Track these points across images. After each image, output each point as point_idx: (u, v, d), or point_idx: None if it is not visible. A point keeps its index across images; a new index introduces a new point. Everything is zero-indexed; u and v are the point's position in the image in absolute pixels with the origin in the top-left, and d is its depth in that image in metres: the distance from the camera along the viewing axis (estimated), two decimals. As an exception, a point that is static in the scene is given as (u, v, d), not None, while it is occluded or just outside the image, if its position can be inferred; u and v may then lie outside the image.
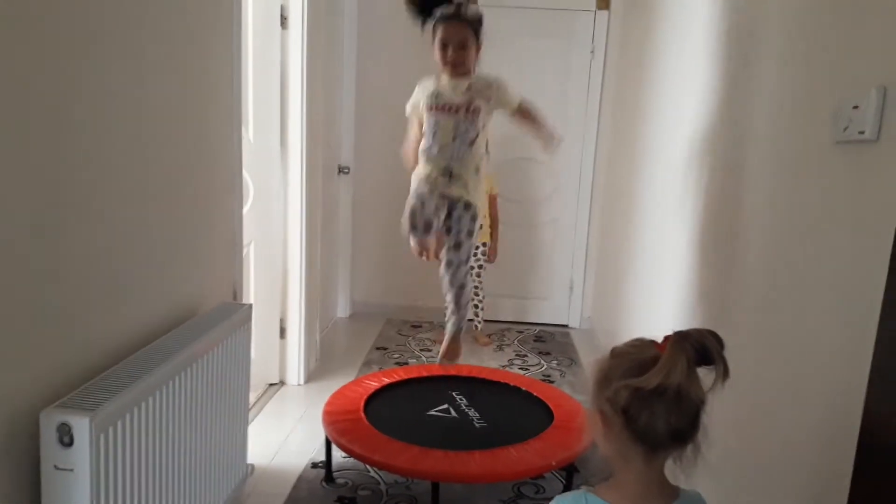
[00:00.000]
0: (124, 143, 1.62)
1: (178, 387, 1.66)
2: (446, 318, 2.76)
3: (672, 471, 1.11)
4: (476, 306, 4.13)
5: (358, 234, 4.59)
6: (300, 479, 2.51)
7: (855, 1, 1.37)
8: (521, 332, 4.46)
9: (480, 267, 4.06)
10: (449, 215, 2.56)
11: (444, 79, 2.47)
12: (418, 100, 2.54)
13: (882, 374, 1.17)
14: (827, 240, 1.42)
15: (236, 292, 2.41)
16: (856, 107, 1.27)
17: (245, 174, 2.58)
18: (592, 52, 4.32)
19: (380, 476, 2.54)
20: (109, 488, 1.37)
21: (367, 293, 4.66)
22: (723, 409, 1.84)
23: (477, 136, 2.47)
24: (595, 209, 4.50)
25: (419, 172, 2.54)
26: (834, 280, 1.38)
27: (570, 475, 2.45)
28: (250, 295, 3.05)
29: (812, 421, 1.45)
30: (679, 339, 1.04)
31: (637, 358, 1.07)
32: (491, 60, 4.34)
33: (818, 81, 1.49)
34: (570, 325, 4.65)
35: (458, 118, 2.42)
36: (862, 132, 1.25)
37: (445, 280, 2.61)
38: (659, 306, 2.85)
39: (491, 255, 4.07)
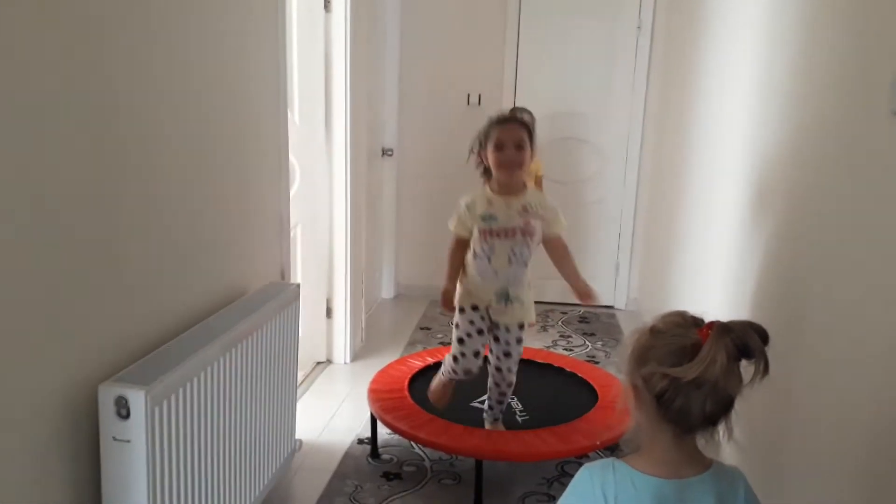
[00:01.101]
0: (177, 128, 1.66)
1: (230, 363, 1.71)
2: (486, 407, 2.49)
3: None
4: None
5: (402, 215, 4.62)
6: (346, 454, 2.57)
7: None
8: (565, 312, 4.43)
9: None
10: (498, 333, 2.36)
11: (495, 199, 2.23)
12: (466, 220, 2.29)
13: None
14: (885, 217, 1.37)
15: (284, 272, 2.46)
16: (914, 77, 1.22)
17: (291, 157, 2.62)
18: (639, 27, 4.23)
19: (424, 453, 2.58)
20: (164, 460, 1.43)
21: (410, 275, 4.69)
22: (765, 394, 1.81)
23: (531, 255, 2.30)
24: (642, 190, 4.42)
25: (469, 293, 2.31)
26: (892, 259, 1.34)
27: (614, 455, 2.44)
28: (297, 275, 3.11)
29: (861, 417, 1.41)
30: (721, 332, 1.03)
31: (677, 343, 1.06)
32: (534, 40, 4.32)
33: (877, 51, 1.44)
34: (615, 307, 4.60)
35: (515, 241, 2.22)
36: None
37: (492, 379, 2.41)
38: (705, 288, 2.80)
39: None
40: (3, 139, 1.13)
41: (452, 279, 2.36)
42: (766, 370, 1.04)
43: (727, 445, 1.10)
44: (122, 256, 1.47)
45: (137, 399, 1.33)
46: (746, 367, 1.05)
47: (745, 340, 1.03)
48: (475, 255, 2.26)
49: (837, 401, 1.53)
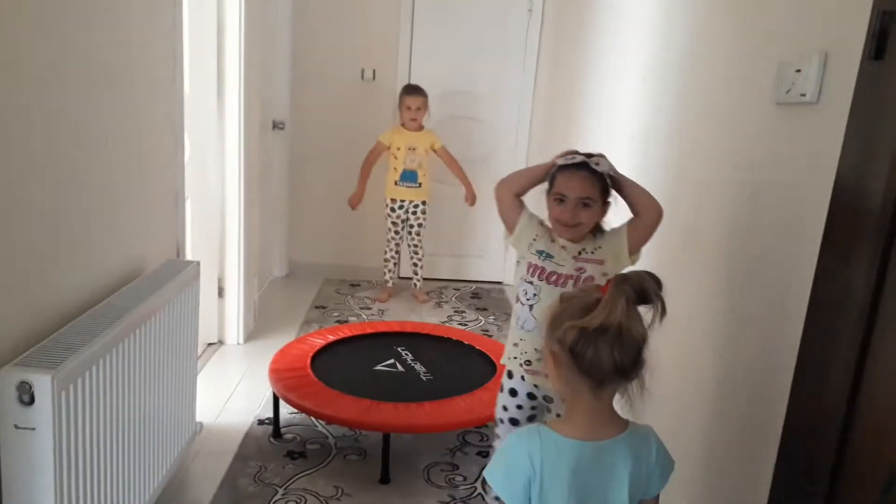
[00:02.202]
0: (68, 99, 1.55)
1: (132, 345, 1.63)
2: None
3: (621, 407, 1.21)
4: (415, 265, 4.21)
5: (294, 191, 4.52)
6: (247, 435, 2.51)
7: (797, -30, 1.45)
8: (458, 289, 4.54)
9: (420, 226, 4.14)
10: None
11: (557, 237, 1.80)
12: (523, 236, 1.84)
13: (814, 324, 1.29)
14: (768, 195, 1.52)
15: (179, 249, 2.36)
16: (798, 70, 1.36)
17: (184, 128, 2.50)
18: (530, 10, 4.35)
19: (328, 430, 2.58)
20: (70, 447, 1.36)
21: (304, 252, 4.61)
22: (666, 346, 1.96)
23: None
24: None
25: (510, 355, 1.93)
26: (774, 232, 1.49)
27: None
28: (187, 253, 2.98)
29: (750, 355, 1.57)
30: (619, 281, 1.14)
31: (583, 301, 1.17)
32: (429, 17, 4.33)
33: (762, 45, 1.58)
34: (505, 283, 4.76)
35: (564, 290, 1.76)
36: (804, 94, 1.34)
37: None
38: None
39: (472, 198, 4.12)
40: None
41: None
42: (663, 311, 1.15)
43: (641, 404, 1.19)
44: (14, 235, 1.36)
45: (43, 384, 1.25)
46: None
47: (641, 286, 1.14)
48: (517, 295, 1.88)
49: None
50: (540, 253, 1.79)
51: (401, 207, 4.07)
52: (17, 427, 1.27)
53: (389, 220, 4.12)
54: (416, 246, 4.19)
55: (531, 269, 1.81)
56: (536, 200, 1.82)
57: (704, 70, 1.93)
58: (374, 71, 4.36)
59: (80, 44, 1.59)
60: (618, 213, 1.72)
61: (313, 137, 4.43)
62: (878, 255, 1.14)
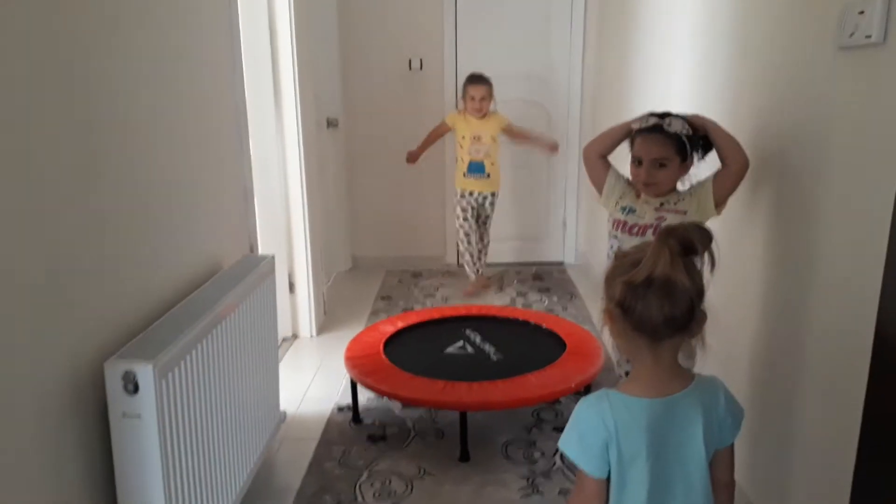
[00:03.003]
0: (147, 112, 1.64)
1: (219, 336, 1.72)
2: None
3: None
4: (480, 251, 4.12)
5: (352, 186, 4.61)
6: (329, 422, 2.60)
7: None
8: (519, 272, 4.55)
9: (488, 217, 4.07)
10: None
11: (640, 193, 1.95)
12: (612, 195, 2.01)
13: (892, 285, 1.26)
14: (834, 148, 1.49)
15: (252, 246, 2.45)
16: (861, 12, 1.33)
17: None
18: (572, -13, 4.31)
19: (405, 414, 2.64)
20: (172, 433, 1.45)
21: (365, 245, 4.70)
22: (736, 308, 1.93)
23: None
24: (584, 145, 4.53)
25: None
26: (844, 188, 1.46)
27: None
28: (258, 251, 3.08)
29: (828, 319, 1.54)
30: (664, 233, 1.13)
31: (634, 258, 1.16)
32: (471, 3, 4.34)
33: (819, -8, 1.54)
34: (566, 262, 4.75)
35: (644, 238, 1.91)
36: (869, 36, 1.31)
37: None
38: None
39: (553, 145, 4.08)
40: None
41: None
42: (713, 263, 1.14)
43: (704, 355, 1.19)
44: (107, 237, 1.46)
45: (146, 373, 1.34)
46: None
47: (686, 237, 1.12)
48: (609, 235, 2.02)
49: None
50: (624, 209, 1.95)
51: (471, 196, 3.99)
52: (125, 415, 1.36)
53: (459, 207, 4.05)
54: (482, 237, 4.11)
55: (616, 224, 1.96)
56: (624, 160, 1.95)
57: (760, 22, 1.89)
58: (421, 60, 4.40)
59: (158, 58, 1.68)
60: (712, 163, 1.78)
61: (366, 132, 4.51)
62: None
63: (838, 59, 1.45)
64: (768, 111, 1.81)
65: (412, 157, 4.08)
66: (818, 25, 1.53)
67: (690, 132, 1.81)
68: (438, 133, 4.02)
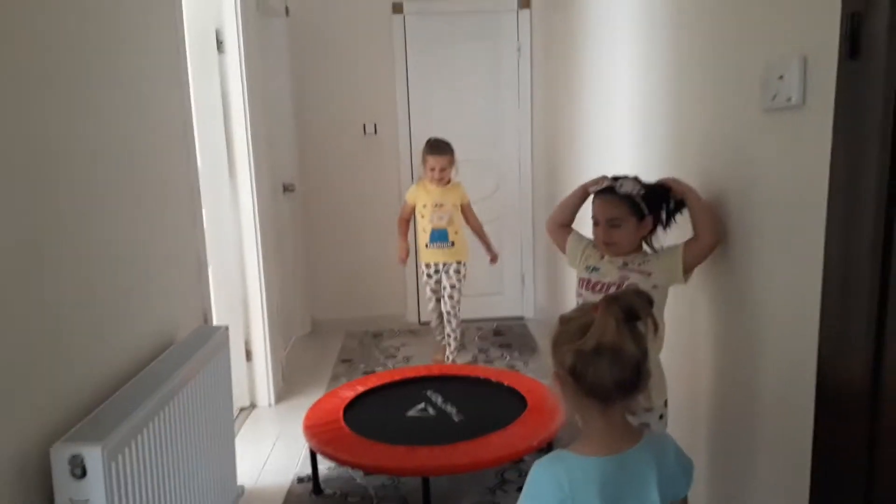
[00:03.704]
0: (96, 185, 1.63)
1: (172, 412, 1.68)
2: None
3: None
4: (448, 335, 3.82)
5: (310, 250, 4.61)
6: (289, 493, 2.53)
7: (768, -16, 1.53)
8: (480, 328, 4.56)
9: (453, 288, 3.76)
10: None
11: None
12: (574, 254, 2.06)
13: (830, 322, 1.32)
14: (763, 202, 1.56)
15: (206, 316, 2.42)
16: (781, 77, 1.42)
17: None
18: (519, 49, 4.48)
19: (367, 482, 2.59)
20: (122, 516, 1.39)
21: (324, 309, 4.67)
22: (680, 364, 1.98)
23: None
24: (537, 200, 4.64)
25: None
26: (776, 241, 1.53)
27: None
28: (214, 319, 3.04)
29: (771, 367, 1.59)
30: (608, 301, 1.19)
31: (579, 322, 1.21)
32: (422, 66, 4.47)
33: (745, 56, 1.64)
34: (525, 317, 4.78)
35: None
36: (789, 99, 1.40)
37: None
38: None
39: (494, 258, 3.91)
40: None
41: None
42: (655, 327, 1.21)
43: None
44: (53, 314, 1.43)
45: (94, 455, 1.30)
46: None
47: (630, 304, 1.19)
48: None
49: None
50: (588, 268, 1.97)
51: (437, 272, 3.76)
52: (72, 501, 1.31)
53: (428, 287, 3.82)
54: (448, 313, 3.78)
55: (581, 283, 1.98)
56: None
57: (691, 88, 2.00)
58: (375, 125, 4.48)
59: (108, 127, 1.69)
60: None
61: (323, 196, 4.54)
62: (880, 245, 1.18)
63: (764, 120, 1.54)
64: (707, 172, 1.90)
65: (401, 258, 3.83)
66: (744, 89, 1.63)
67: (642, 192, 1.84)
68: (407, 215, 3.81)
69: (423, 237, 3.72)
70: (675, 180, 1.87)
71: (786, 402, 1.53)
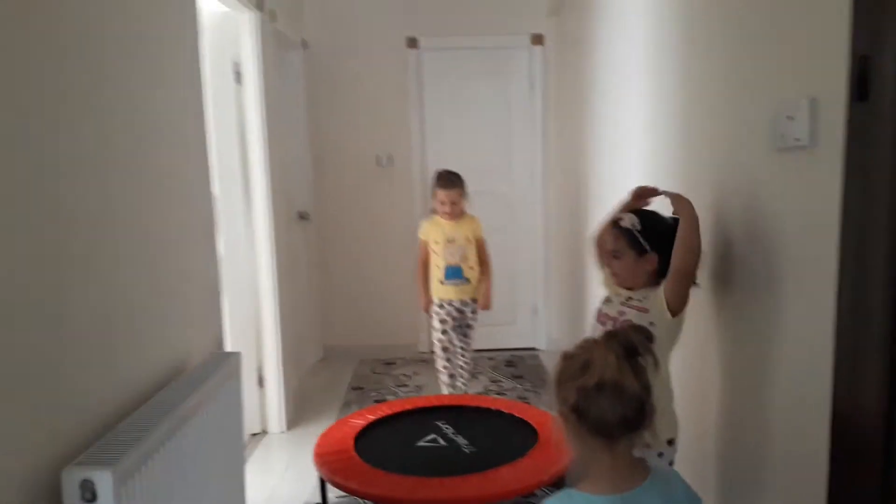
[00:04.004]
0: (114, 211, 1.67)
1: (183, 438, 1.69)
2: None
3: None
4: (461, 367, 3.68)
5: (323, 277, 4.64)
6: (297, 523, 2.53)
7: (782, 22, 1.55)
8: (492, 358, 4.55)
9: (469, 327, 3.62)
10: None
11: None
12: (603, 280, 2.04)
13: (844, 364, 1.31)
14: (774, 240, 1.57)
15: (220, 341, 2.44)
16: (790, 117, 1.44)
17: (216, 227, 2.63)
18: (531, 86, 4.53)
19: (376, 511, 2.57)
20: (131, 542, 1.40)
21: (336, 336, 4.69)
22: (689, 401, 1.97)
23: None
24: (550, 233, 4.66)
25: None
26: (786, 279, 1.53)
27: (561, 488, 2.53)
28: (227, 345, 3.07)
29: (783, 405, 1.58)
30: (608, 338, 1.21)
31: (581, 359, 1.21)
32: (437, 99, 4.54)
33: (755, 97, 1.66)
34: (538, 348, 4.77)
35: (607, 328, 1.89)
36: (798, 139, 1.41)
37: None
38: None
39: (487, 302, 3.63)
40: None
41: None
42: (656, 362, 1.21)
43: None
44: (67, 339, 1.45)
45: (104, 480, 1.31)
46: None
47: (629, 340, 1.19)
48: None
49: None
50: (604, 298, 2.01)
51: (450, 305, 3.53)
52: (81, 526, 1.32)
53: (437, 319, 3.55)
54: (462, 349, 3.64)
55: (596, 312, 2.01)
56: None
57: (701, 125, 2.02)
58: (389, 156, 4.54)
59: (123, 149, 1.73)
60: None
61: (338, 224, 4.59)
62: (894, 282, 1.18)
63: (774, 159, 1.55)
64: (717, 209, 1.91)
65: (424, 305, 3.61)
66: (754, 128, 1.65)
67: (639, 228, 1.84)
68: (425, 256, 3.56)
69: (438, 273, 3.50)
70: (676, 197, 1.81)
71: (798, 444, 1.51)
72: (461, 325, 3.57)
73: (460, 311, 3.54)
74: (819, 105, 1.36)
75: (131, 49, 1.82)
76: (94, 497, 1.32)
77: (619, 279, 1.93)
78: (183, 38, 2.22)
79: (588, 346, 1.23)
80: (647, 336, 1.21)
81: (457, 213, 3.45)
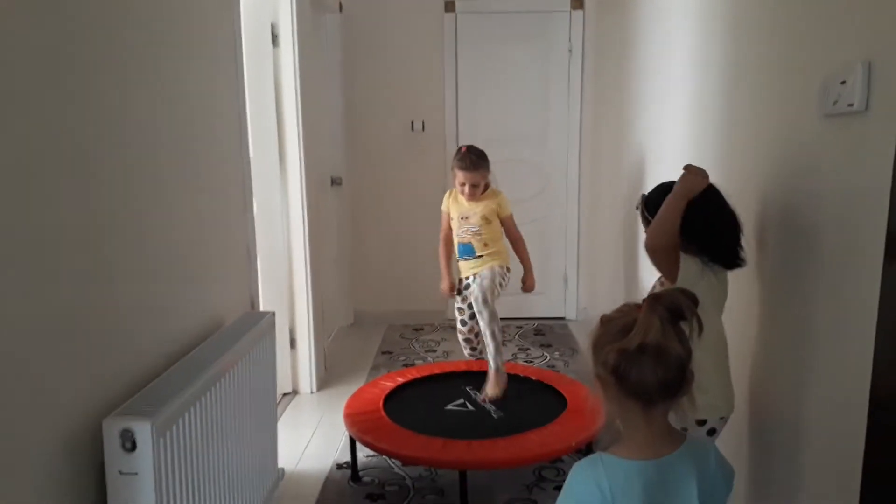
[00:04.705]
0: (153, 170, 1.69)
1: (218, 393, 1.73)
2: None
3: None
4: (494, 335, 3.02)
5: (354, 243, 4.66)
6: (328, 479, 2.58)
7: (833, -15, 1.49)
8: (520, 327, 4.55)
9: (484, 291, 3.03)
10: None
11: None
12: None
13: (886, 342, 1.27)
14: (822, 212, 1.53)
15: (254, 302, 2.48)
16: (843, 82, 1.38)
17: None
18: (570, 51, 4.44)
19: (404, 471, 2.61)
20: (169, 491, 1.44)
21: (367, 301, 4.72)
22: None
23: None
24: (583, 202, 4.61)
25: None
26: (832, 256, 1.49)
27: (588, 454, 2.54)
28: (260, 306, 3.11)
29: (821, 392, 1.55)
30: (652, 301, 1.17)
31: (622, 322, 1.19)
32: (472, 66, 4.48)
33: (804, 60, 1.60)
34: (567, 318, 4.75)
35: None
36: (851, 104, 1.36)
37: None
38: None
39: (531, 282, 3.32)
40: (4, 193, 1.16)
41: None
42: (700, 328, 1.17)
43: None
44: (109, 294, 1.48)
45: (143, 430, 1.34)
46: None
47: (675, 303, 1.16)
48: None
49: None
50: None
51: (466, 288, 3.23)
52: (121, 473, 1.36)
53: (456, 306, 3.30)
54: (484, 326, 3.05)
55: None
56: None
57: (748, 92, 1.96)
58: (423, 122, 4.50)
59: (166, 116, 1.74)
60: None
61: (369, 190, 4.59)
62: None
63: (823, 125, 1.50)
64: (759, 176, 1.86)
65: (444, 290, 3.31)
66: (802, 94, 1.59)
67: (642, 206, 1.87)
68: (448, 232, 3.27)
69: (454, 250, 3.24)
70: (683, 175, 1.71)
71: (834, 433, 1.49)
72: (473, 295, 3.08)
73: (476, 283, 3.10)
74: (875, 68, 1.31)
75: (173, 11, 1.82)
76: (133, 447, 1.35)
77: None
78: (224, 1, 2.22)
79: (628, 310, 1.21)
80: (692, 299, 1.18)
81: (477, 194, 3.10)
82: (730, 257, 1.74)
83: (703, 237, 1.70)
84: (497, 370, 2.87)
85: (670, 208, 1.68)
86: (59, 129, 1.31)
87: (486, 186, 3.14)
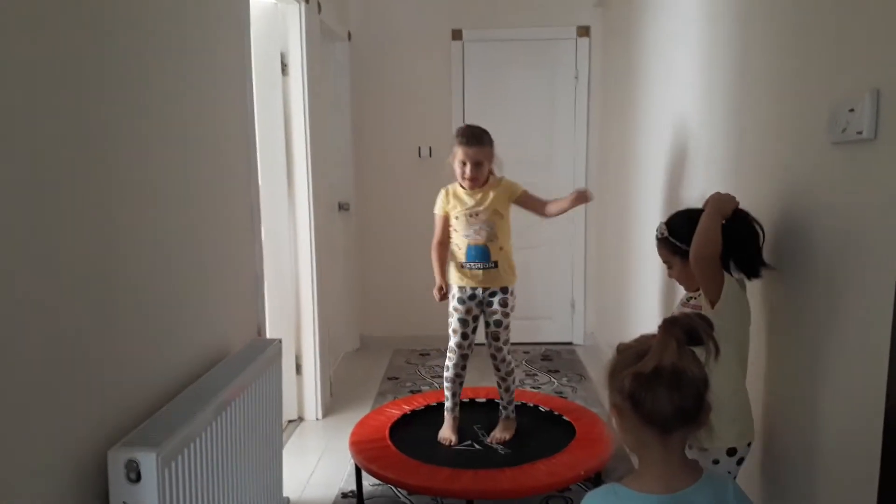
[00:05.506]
0: (156, 190, 1.70)
1: (224, 422, 1.71)
2: None
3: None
4: (502, 380, 2.87)
5: (361, 268, 4.67)
6: (333, 509, 2.55)
7: (842, 12, 1.49)
8: (527, 351, 4.52)
9: (499, 325, 2.80)
10: None
11: None
12: None
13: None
14: (829, 237, 1.52)
15: (260, 329, 2.47)
16: (851, 110, 1.38)
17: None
18: (576, 77, 4.47)
19: (410, 501, 2.58)
20: (173, 522, 1.42)
21: (373, 326, 4.71)
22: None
23: None
24: (590, 227, 4.61)
25: None
26: (840, 279, 1.48)
27: (598, 484, 2.50)
28: (267, 332, 3.10)
29: (837, 417, 1.53)
30: (668, 324, 1.15)
31: (638, 349, 1.17)
32: (479, 91, 4.51)
33: (811, 89, 1.60)
34: (574, 342, 4.72)
35: None
36: (860, 132, 1.36)
37: None
38: (661, 316, 2.93)
39: (582, 197, 2.83)
40: (6, 221, 1.16)
41: None
42: (717, 351, 1.15)
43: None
44: (114, 323, 1.48)
45: (148, 461, 1.33)
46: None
47: (691, 326, 1.14)
48: None
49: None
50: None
51: (472, 298, 2.77)
52: (126, 504, 1.34)
53: (456, 316, 2.80)
54: (494, 357, 2.82)
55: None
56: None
57: (756, 116, 1.96)
58: (430, 148, 4.53)
59: (171, 142, 1.75)
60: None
61: (376, 215, 4.60)
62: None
63: (832, 153, 1.50)
64: (768, 201, 1.85)
65: (438, 289, 2.86)
66: (810, 122, 1.59)
67: (665, 233, 1.91)
68: (441, 236, 2.85)
69: (458, 255, 2.77)
70: (713, 197, 1.77)
71: (849, 447, 1.46)
72: (490, 323, 2.78)
73: (486, 303, 2.77)
74: (883, 96, 1.30)
75: (184, 38, 1.85)
76: (138, 477, 1.34)
77: (684, 285, 1.99)
78: (236, 29, 2.25)
79: (645, 339, 1.19)
80: (708, 323, 1.16)
81: (481, 179, 2.68)
82: (754, 265, 1.76)
83: (735, 249, 1.75)
84: (508, 417, 2.86)
85: (709, 219, 1.71)
86: (71, 162, 1.32)
87: (489, 176, 2.74)
